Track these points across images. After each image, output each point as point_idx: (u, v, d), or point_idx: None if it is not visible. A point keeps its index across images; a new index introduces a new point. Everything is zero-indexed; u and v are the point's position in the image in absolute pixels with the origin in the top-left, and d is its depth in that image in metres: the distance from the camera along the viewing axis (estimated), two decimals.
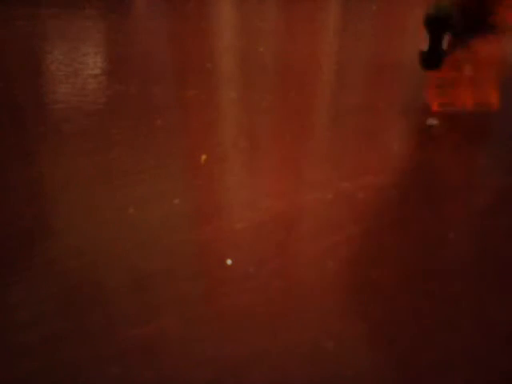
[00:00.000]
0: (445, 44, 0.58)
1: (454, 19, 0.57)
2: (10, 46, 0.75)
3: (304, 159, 0.51)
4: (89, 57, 0.73)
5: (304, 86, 0.65)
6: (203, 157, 0.51)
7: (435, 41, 0.58)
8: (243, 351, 0.32)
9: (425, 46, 0.58)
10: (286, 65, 0.72)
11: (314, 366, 0.31)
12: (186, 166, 0.50)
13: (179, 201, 0.45)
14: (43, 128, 0.55)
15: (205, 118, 0.58)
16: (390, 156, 0.52)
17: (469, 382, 0.31)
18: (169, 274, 0.38)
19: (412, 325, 0.34)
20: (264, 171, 0.49)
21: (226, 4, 0.97)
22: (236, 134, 0.55)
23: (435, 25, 0.57)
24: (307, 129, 0.57)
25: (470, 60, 0.62)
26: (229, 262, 0.39)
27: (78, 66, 0.70)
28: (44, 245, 0.40)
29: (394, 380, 0.31)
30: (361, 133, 0.56)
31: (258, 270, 0.38)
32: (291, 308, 0.35)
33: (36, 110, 0.59)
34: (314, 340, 0.33)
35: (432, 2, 0.59)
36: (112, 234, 0.41)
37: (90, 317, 0.34)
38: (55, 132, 0.55)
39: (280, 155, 0.52)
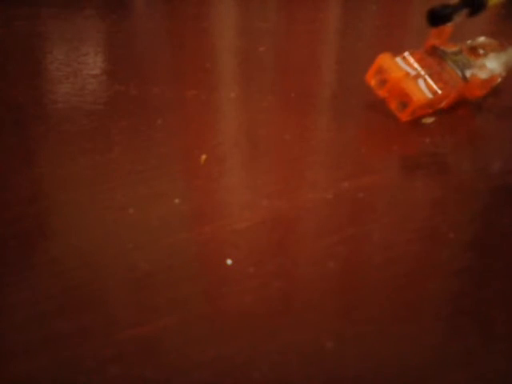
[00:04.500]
0: None
1: None
2: (10, 46, 0.75)
3: (304, 159, 0.51)
4: (89, 57, 0.72)
5: (304, 86, 0.65)
6: (203, 157, 0.50)
7: None
8: (243, 351, 0.32)
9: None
10: (286, 65, 0.72)
11: (314, 366, 0.31)
12: (186, 166, 0.50)
13: (179, 201, 0.45)
14: (43, 128, 0.55)
15: (205, 118, 0.58)
16: (390, 156, 0.52)
17: (469, 382, 0.31)
18: (169, 273, 0.37)
19: (413, 324, 0.34)
20: (264, 171, 0.49)
21: (226, 4, 0.97)
22: (236, 134, 0.55)
23: None
24: (307, 129, 0.57)
25: None
26: (229, 262, 0.39)
27: (77, 66, 0.69)
28: (44, 245, 0.40)
29: (395, 380, 0.31)
30: (361, 132, 0.56)
31: (258, 270, 0.38)
32: (291, 308, 0.35)
33: (36, 109, 0.59)
34: (314, 340, 0.33)
35: None
36: (112, 234, 0.41)
37: (90, 317, 0.34)
38: (55, 132, 0.54)
39: (280, 155, 0.52)
